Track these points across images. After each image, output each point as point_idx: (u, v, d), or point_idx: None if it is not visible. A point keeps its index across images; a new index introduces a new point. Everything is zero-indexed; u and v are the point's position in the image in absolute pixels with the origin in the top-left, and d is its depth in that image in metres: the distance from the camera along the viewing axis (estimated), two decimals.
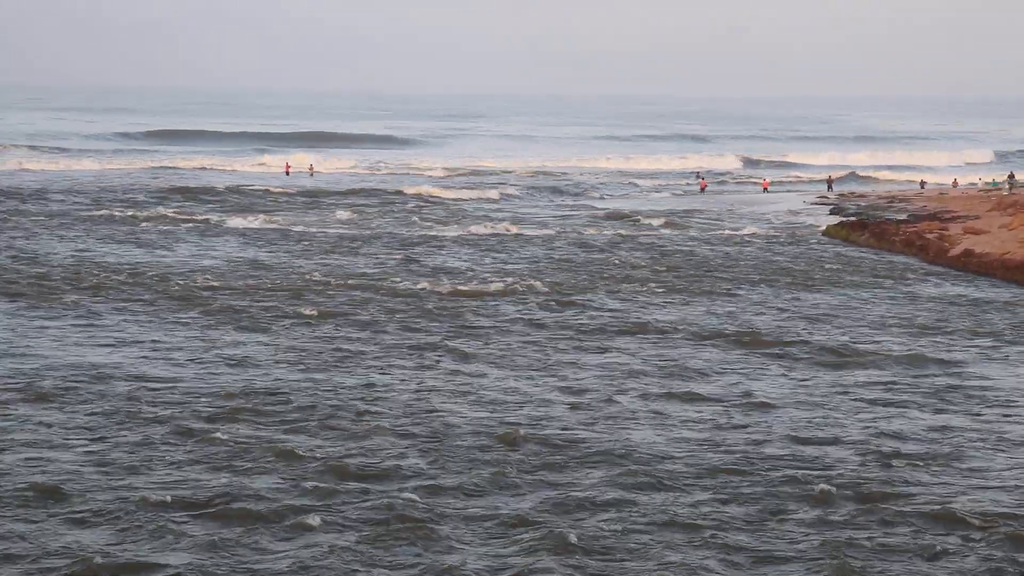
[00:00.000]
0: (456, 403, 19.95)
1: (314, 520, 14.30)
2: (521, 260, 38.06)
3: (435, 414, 19.18)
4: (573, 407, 19.96)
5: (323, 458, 16.72)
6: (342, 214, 51.48)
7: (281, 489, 15.43)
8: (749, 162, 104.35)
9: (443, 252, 39.50)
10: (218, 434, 17.75)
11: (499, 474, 16.12)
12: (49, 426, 18.08)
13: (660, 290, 32.43)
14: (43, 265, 34.16)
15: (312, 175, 77.02)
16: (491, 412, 19.45)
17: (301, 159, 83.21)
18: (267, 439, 17.64)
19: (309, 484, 15.61)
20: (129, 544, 13.61)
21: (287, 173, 77.44)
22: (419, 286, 31.77)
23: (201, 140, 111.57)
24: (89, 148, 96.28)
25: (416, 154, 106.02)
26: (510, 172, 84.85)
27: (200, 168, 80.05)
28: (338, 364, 22.69)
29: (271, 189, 62.26)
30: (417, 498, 15.13)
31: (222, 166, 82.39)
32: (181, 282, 31.37)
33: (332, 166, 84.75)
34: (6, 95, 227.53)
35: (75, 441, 17.36)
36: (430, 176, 79.21)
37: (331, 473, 16.10)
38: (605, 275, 35.03)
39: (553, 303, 29.99)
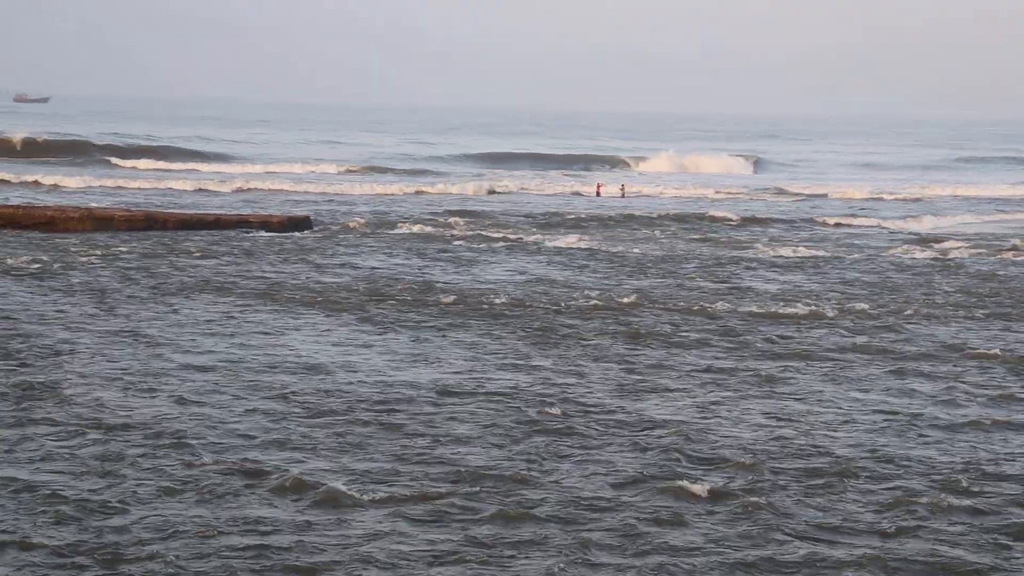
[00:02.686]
0: (768, 436, 19.56)
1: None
2: (833, 281, 37.21)
3: (747, 442, 18.91)
4: (909, 432, 19.36)
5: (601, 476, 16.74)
6: (655, 234, 51.57)
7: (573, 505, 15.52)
8: None
9: (758, 273, 39.06)
10: (476, 451, 17.97)
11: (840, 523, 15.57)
12: (315, 431, 18.64)
13: (975, 317, 31.12)
14: (343, 277, 35.63)
15: (624, 196, 77.34)
16: (812, 440, 19.00)
17: (612, 185, 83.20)
18: (525, 452, 17.74)
19: (586, 498, 15.63)
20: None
21: (598, 194, 78.09)
22: (731, 309, 31.36)
23: (513, 162, 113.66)
24: (426, 169, 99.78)
25: (750, 179, 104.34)
26: (821, 194, 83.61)
27: (509, 190, 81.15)
28: (622, 383, 22.59)
29: (582, 210, 62.88)
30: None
31: (533, 188, 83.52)
32: (497, 299, 31.86)
33: (643, 188, 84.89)
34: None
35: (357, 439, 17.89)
36: (758, 199, 78.27)
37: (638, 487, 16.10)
38: (919, 299, 33.92)
39: (865, 326, 29.18)
